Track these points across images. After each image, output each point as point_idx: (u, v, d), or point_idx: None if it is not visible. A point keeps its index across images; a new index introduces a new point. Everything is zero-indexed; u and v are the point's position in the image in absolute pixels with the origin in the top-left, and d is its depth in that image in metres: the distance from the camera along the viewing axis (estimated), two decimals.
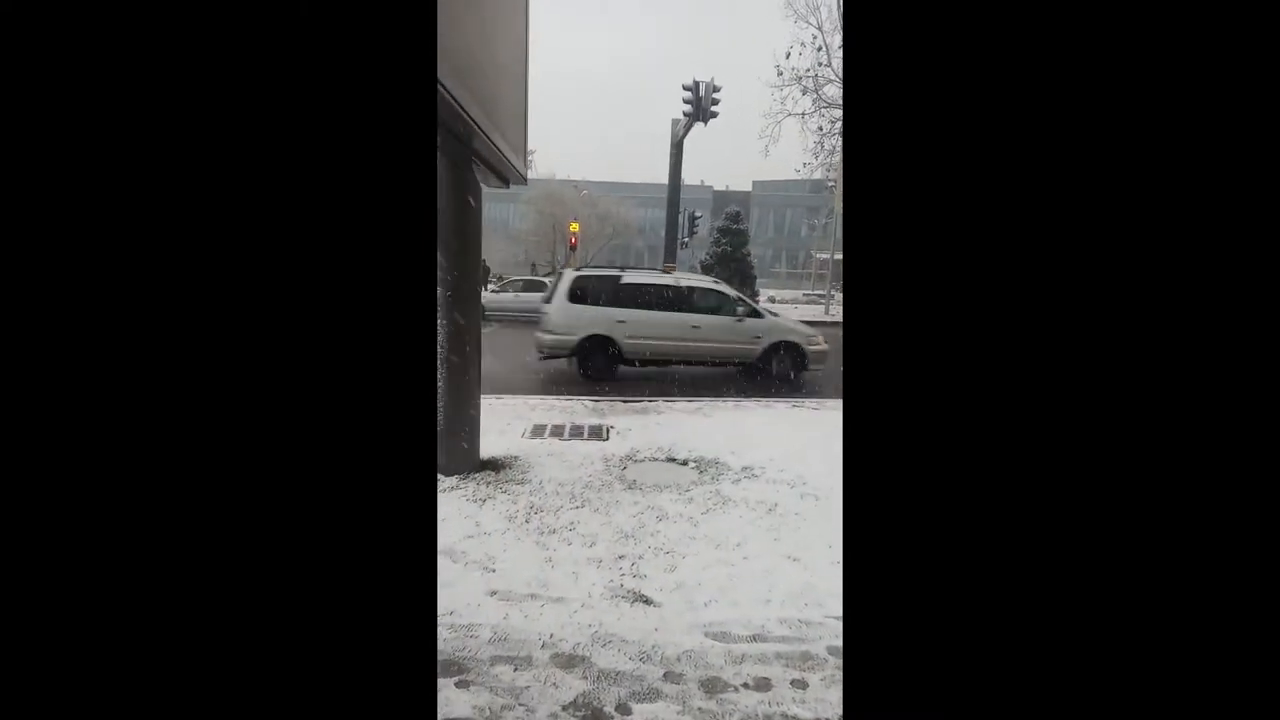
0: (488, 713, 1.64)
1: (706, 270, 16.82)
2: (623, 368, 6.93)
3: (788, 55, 13.78)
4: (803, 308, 19.68)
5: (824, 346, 7.14)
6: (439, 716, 1.60)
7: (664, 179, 18.11)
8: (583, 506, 3.10)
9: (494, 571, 2.41)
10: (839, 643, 2.02)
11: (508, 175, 3.92)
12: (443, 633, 2.00)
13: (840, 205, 18.71)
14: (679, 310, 6.95)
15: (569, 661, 1.87)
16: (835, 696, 1.76)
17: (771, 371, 7.03)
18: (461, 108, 2.49)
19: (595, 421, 4.76)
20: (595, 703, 1.70)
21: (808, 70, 13.65)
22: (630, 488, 3.39)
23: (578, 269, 7.22)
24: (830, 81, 13.69)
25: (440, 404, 3.34)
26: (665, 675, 1.82)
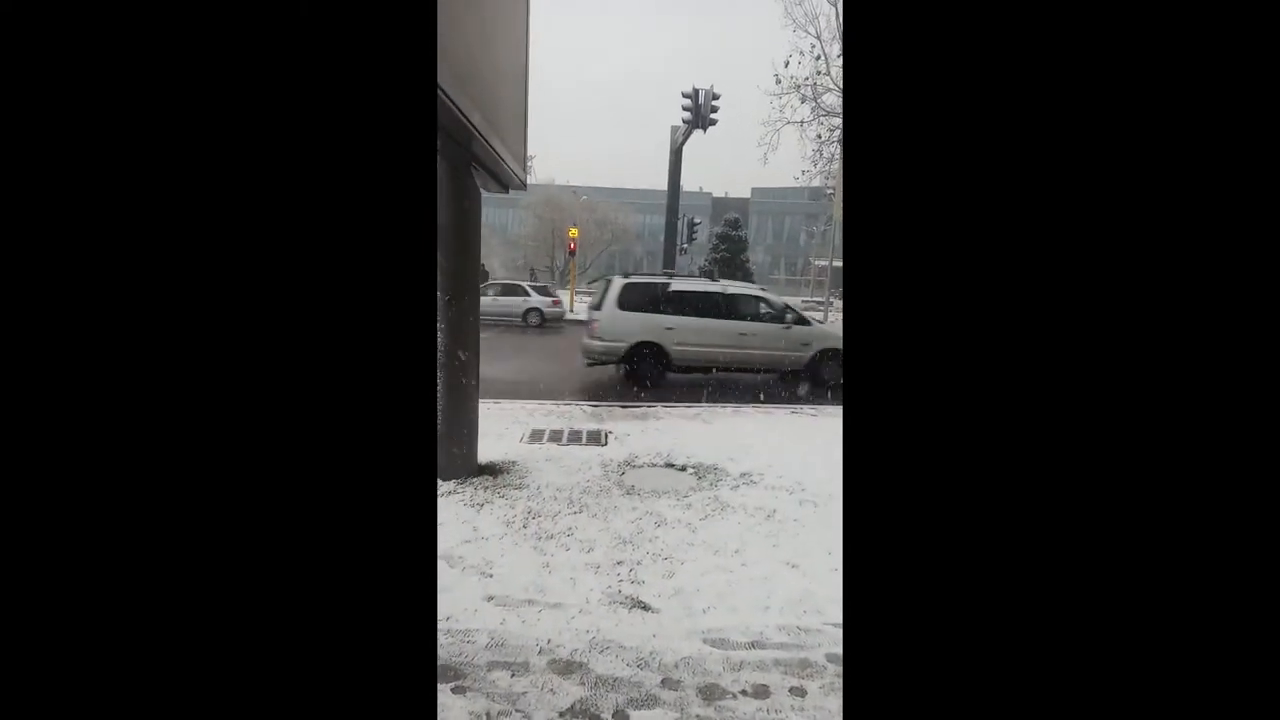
0: (484, 719, 1.63)
1: (705, 276, 16.86)
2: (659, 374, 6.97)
3: (786, 64, 13.83)
4: None
5: None
6: None
7: (663, 185, 18.18)
8: (581, 512, 3.09)
9: (491, 577, 2.40)
10: (838, 650, 2.01)
11: (507, 180, 3.93)
12: (439, 638, 1.99)
13: (839, 212, 18.78)
14: (727, 317, 6.97)
15: (566, 667, 1.86)
16: (834, 704, 1.75)
17: (820, 379, 7.08)
18: (461, 113, 2.50)
19: (594, 427, 4.75)
20: (593, 709, 1.68)
21: (806, 79, 13.72)
22: (628, 493, 3.38)
23: (626, 276, 7.26)
24: (829, 90, 13.76)
25: (438, 408, 3.33)
26: (663, 682, 1.81)
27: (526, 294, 14.86)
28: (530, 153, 4.44)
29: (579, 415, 5.13)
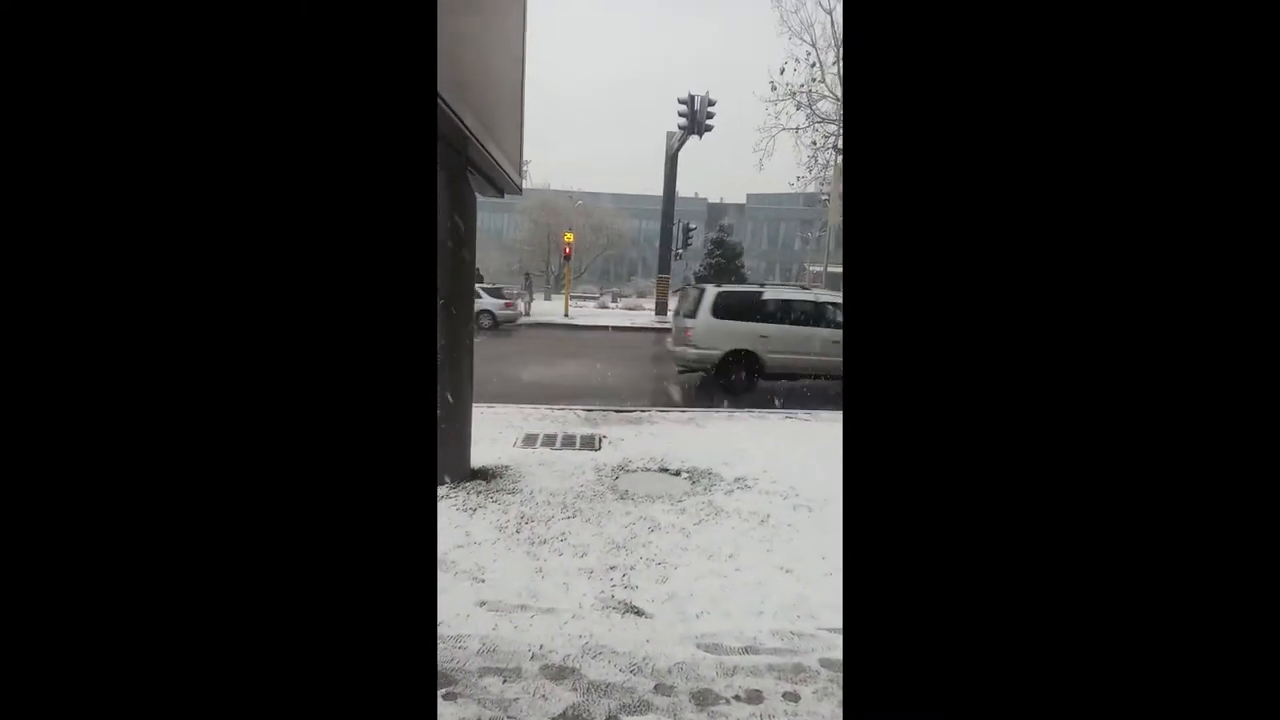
0: None
1: (700, 282, 16.89)
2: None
3: (782, 71, 13.91)
4: None
5: None
6: None
7: (659, 191, 18.24)
8: (574, 517, 3.08)
9: (484, 582, 2.39)
10: (831, 655, 2.01)
11: (502, 185, 3.93)
12: None
13: (833, 218, 18.88)
14: (817, 325, 7.06)
15: (559, 673, 1.85)
16: (828, 709, 1.75)
17: None
18: (457, 117, 2.50)
19: (587, 431, 4.75)
20: (585, 715, 1.67)
21: (802, 86, 13.81)
22: (622, 498, 3.37)
23: (719, 286, 7.34)
24: (824, 97, 13.85)
25: None
26: (656, 687, 1.80)
27: (478, 295, 14.71)
28: (526, 157, 4.45)
29: (573, 420, 5.12)
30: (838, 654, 2.02)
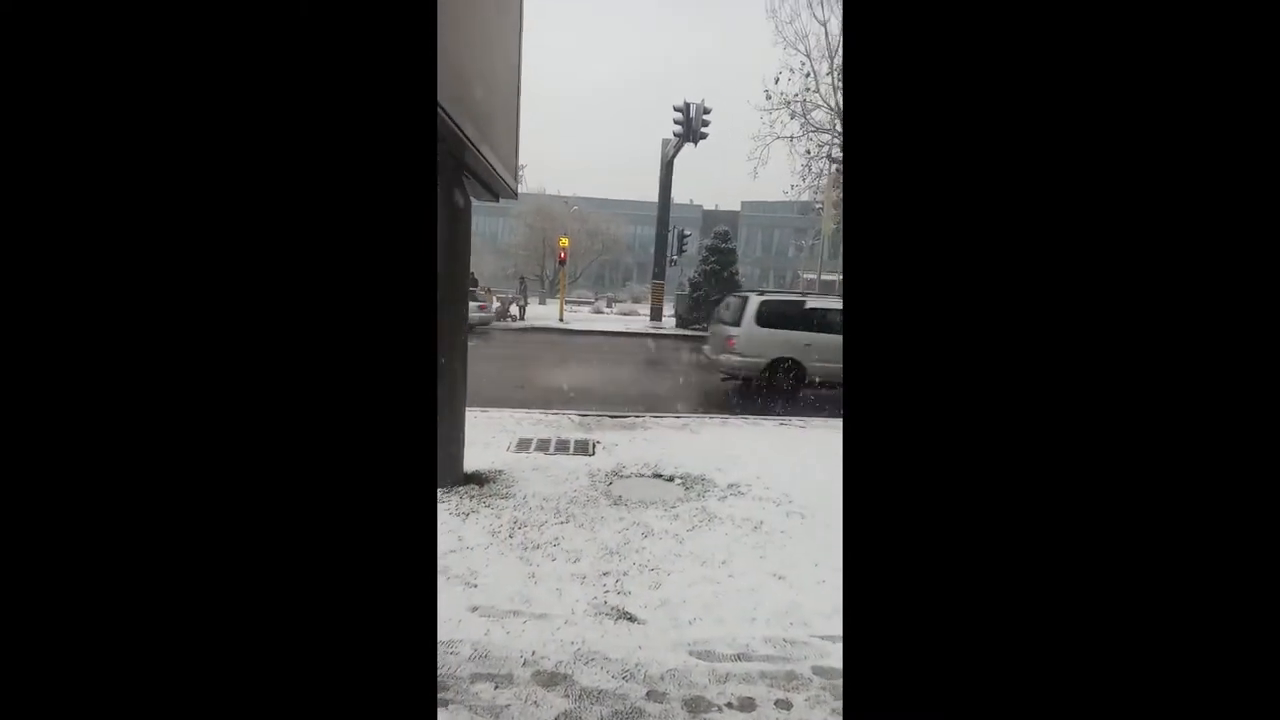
0: None
1: (695, 287, 16.92)
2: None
3: (776, 80, 14.00)
4: None
5: None
6: None
7: (654, 197, 18.30)
8: (567, 522, 3.07)
9: (476, 587, 2.38)
10: (824, 662, 2.01)
11: (498, 189, 3.94)
12: None
13: (827, 226, 18.97)
14: None
15: (551, 679, 1.84)
16: (819, 717, 1.75)
17: None
18: (453, 122, 2.51)
19: (581, 436, 4.74)
20: None
21: (796, 95, 13.91)
22: (616, 503, 3.36)
23: (762, 294, 7.38)
24: (818, 107, 13.96)
25: None
26: (648, 694, 1.80)
27: None
28: (521, 162, 4.45)
29: (567, 424, 5.11)
30: (830, 661, 2.02)
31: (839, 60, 13.06)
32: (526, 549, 2.74)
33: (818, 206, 17.50)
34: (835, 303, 7.52)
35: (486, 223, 34.30)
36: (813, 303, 7.28)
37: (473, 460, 3.83)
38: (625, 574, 2.55)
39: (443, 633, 2.05)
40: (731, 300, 7.71)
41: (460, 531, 2.87)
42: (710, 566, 2.66)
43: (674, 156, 17.04)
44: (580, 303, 26.60)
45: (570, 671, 1.88)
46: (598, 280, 36.04)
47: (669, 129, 16.11)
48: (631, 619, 2.21)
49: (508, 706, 1.71)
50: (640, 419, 5.52)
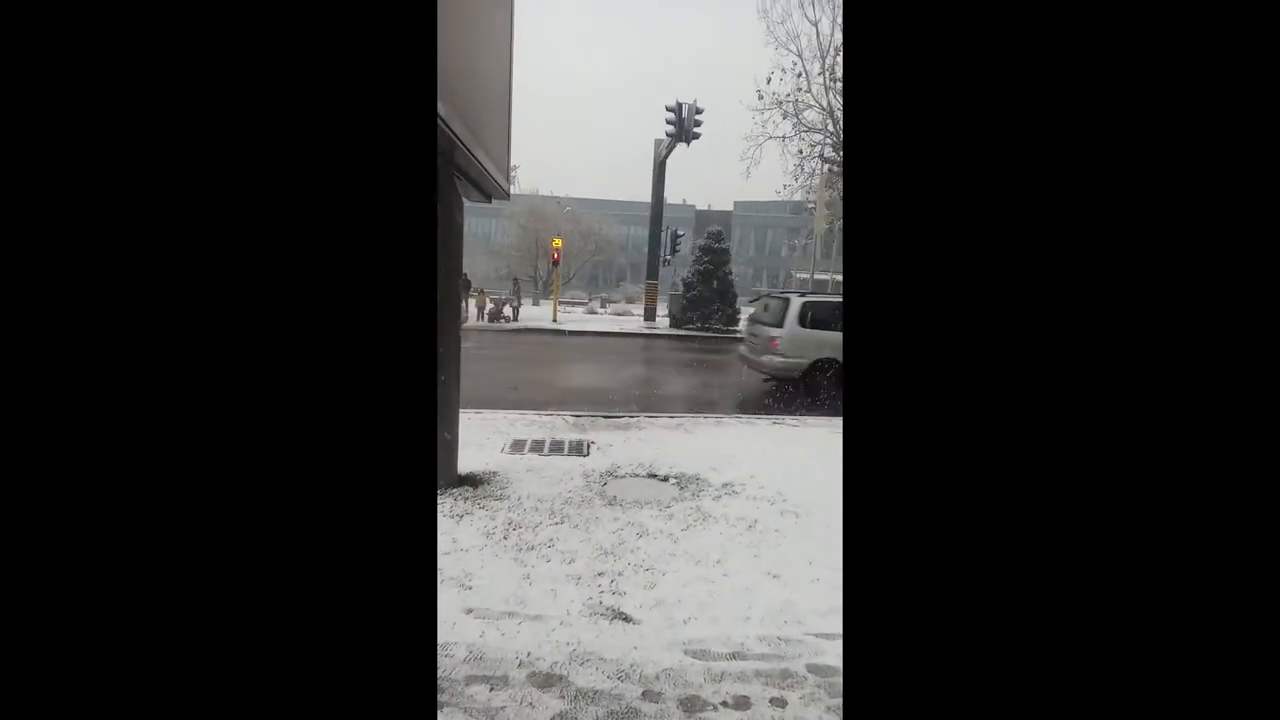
0: None
1: (688, 287, 16.94)
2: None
3: (769, 80, 14.03)
4: None
5: None
6: None
7: (647, 197, 18.30)
8: (562, 523, 3.07)
9: (470, 589, 2.37)
10: (818, 660, 2.02)
11: (490, 190, 3.93)
12: None
13: (820, 226, 19.02)
14: None
15: (546, 680, 1.84)
16: (814, 714, 1.75)
17: None
18: (445, 124, 2.50)
19: (576, 437, 4.73)
20: None
21: (788, 95, 13.93)
22: (610, 504, 3.36)
23: (803, 295, 7.40)
24: (810, 106, 14.00)
25: None
26: (644, 694, 1.80)
27: None
28: (514, 163, 4.45)
29: (561, 425, 5.11)
30: (825, 659, 2.02)
31: (830, 60, 13.09)
32: (521, 550, 2.73)
33: (810, 206, 17.55)
34: None
35: (479, 224, 34.20)
36: None
37: (467, 462, 3.82)
38: (620, 574, 2.55)
39: (437, 635, 2.04)
40: (770, 302, 7.76)
41: (454, 533, 2.87)
42: (705, 566, 2.66)
43: (667, 157, 17.05)
44: (574, 303, 26.57)
45: (565, 672, 1.88)
46: (591, 281, 36.01)
47: (662, 129, 16.12)
48: (627, 619, 2.21)
49: (503, 708, 1.71)
50: (635, 419, 5.52)
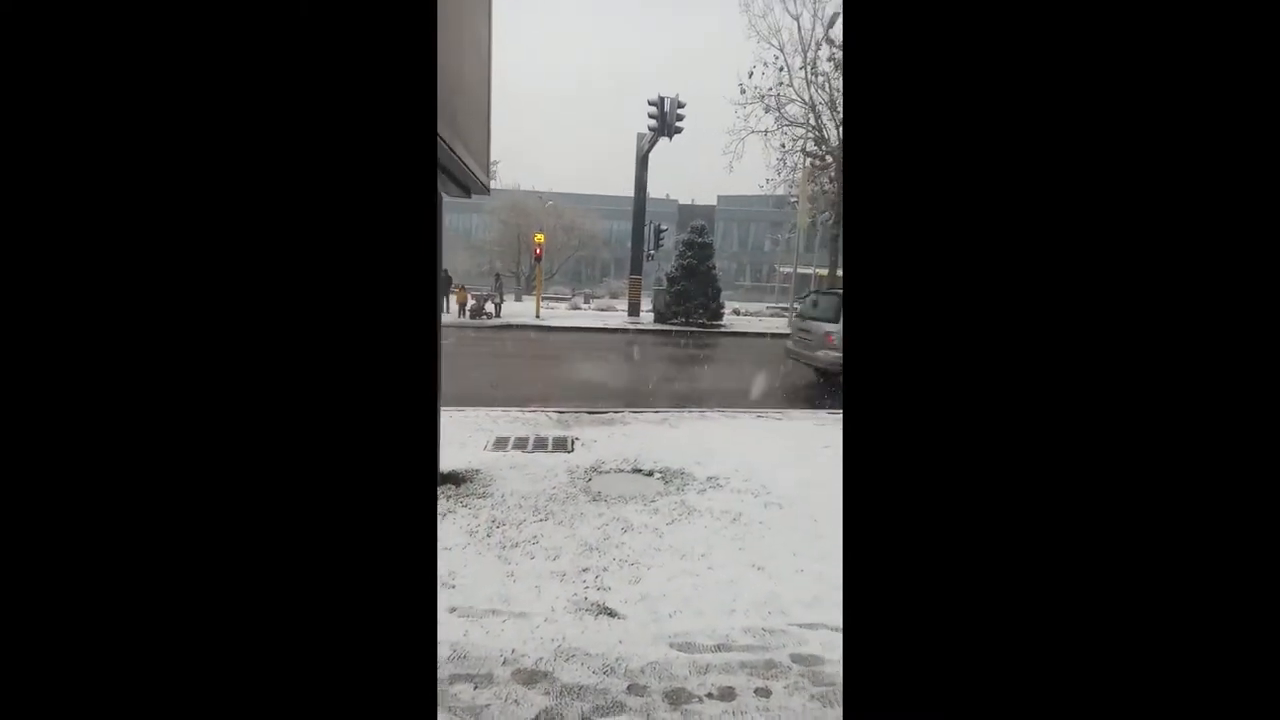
0: None
1: (672, 282, 16.95)
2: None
3: (750, 74, 14.09)
4: (767, 320, 20.01)
5: None
6: None
7: (630, 192, 18.25)
8: (546, 519, 3.06)
9: (454, 587, 2.36)
10: (802, 650, 2.04)
11: (470, 185, 3.89)
12: None
13: (803, 220, 19.12)
14: None
15: (531, 677, 1.84)
16: (798, 703, 1.77)
17: None
18: None
19: (559, 433, 4.72)
20: (558, 719, 1.66)
21: (770, 89, 13.98)
22: (595, 499, 3.36)
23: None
24: (792, 101, 14.06)
25: None
26: (629, 688, 1.80)
27: None
28: (495, 158, 4.40)
29: (545, 422, 5.09)
30: (808, 649, 2.05)
31: (812, 54, 13.14)
32: (505, 547, 2.72)
33: (793, 200, 17.64)
34: None
35: (460, 219, 33.88)
36: None
37: (449, 459, 3.80)
38: (605, 569, 2.55)
39: None
40: (820, 299, 7.77)
41: (437, 532, 2.84)
42: (690, 559, 2.68)
43: (649, 151, 17.01)
44: (557, 299, 26.43)
45: (550, 669, 1.88)
46: (574, 276, 35.86)
47: (643, 124, 16.08)
48: (612, 614, 2.22)
49: (488, 706, 1.70)
50: (619, 414, 5.51)
